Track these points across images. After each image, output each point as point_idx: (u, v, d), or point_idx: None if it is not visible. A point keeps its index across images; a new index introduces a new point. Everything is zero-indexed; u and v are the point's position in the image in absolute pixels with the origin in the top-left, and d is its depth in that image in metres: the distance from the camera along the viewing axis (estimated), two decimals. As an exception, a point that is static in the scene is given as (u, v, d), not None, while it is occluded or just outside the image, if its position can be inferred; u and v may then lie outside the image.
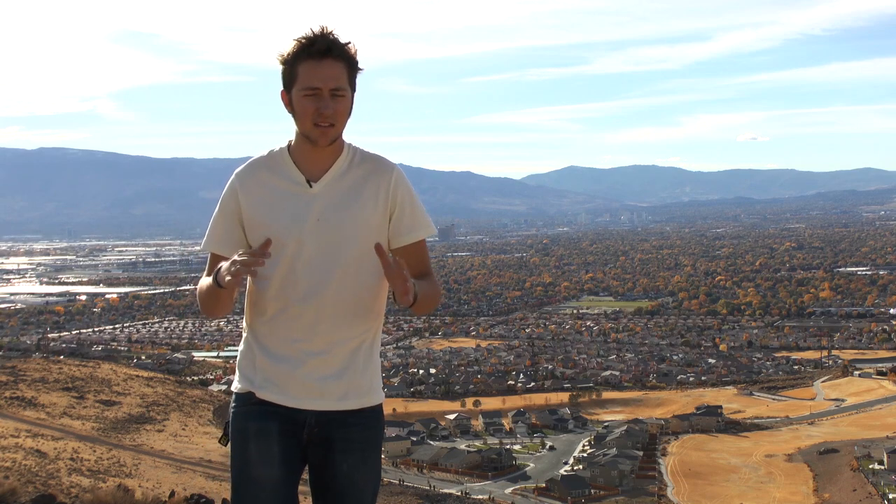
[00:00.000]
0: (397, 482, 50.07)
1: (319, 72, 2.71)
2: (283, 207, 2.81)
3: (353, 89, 2.81)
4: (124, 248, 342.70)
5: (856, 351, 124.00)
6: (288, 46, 2.75)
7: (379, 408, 3.00)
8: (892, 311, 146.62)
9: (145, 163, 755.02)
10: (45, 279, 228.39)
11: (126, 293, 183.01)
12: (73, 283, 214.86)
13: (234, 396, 2.96)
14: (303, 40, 2.72)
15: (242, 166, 2.92)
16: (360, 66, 2.80)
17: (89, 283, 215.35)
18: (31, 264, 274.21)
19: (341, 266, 2.82)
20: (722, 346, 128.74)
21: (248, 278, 2.84)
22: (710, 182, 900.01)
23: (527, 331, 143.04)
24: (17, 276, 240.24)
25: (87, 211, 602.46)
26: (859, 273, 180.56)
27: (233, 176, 2.91)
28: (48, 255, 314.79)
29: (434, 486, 54.45)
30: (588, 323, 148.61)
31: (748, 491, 62.42)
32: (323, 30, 2.73)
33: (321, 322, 2.82)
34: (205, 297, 2.81)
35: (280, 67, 2.79)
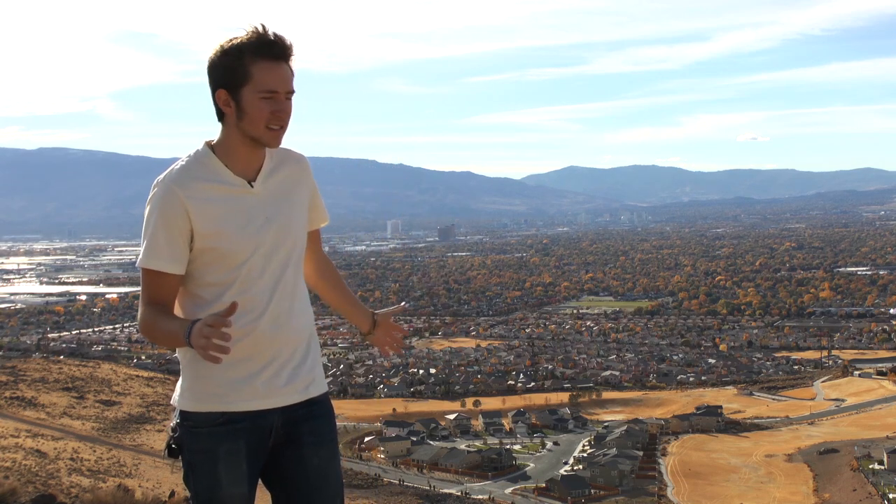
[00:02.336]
0: (397, 482, 50.05)
1: (278, 74, 2.67)
2: (233, 212, 2.76)
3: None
4: (124, 248, 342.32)
5: (856, 351, 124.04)
6: (238, 42, 2.65)
7: (329, 396, 3.04)
8: (892, 311, 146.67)
9: (145, 163, 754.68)
10: (45, 279, 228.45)
11: (126, 293, 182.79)
12: (73, 283, 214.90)
13: (183, 414, 2.82)
14: (258, 38, 2.65)
15: (175, 175, 2.72)
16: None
17: (89, 283, 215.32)
18: (31, 264, 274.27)
19: (293, 260, 2.86)
20: (722, 346, 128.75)
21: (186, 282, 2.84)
22: (710, 182, 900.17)
23: (527, 331, 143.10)
24: (17, 276, 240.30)
25: (87, 211, 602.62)
26: (859, 273, 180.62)
27: (167, 185, 2.70)
28: (48, 255, 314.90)
29: (434, 486, 54.45)
30: (588, 323, 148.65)
31: (748, 491, 62.41)
32: (274, 31, 2.68)
33: (281, 316, 2.83)
34: (163, 339, 2.70)
35: (216, 62, 2.68)
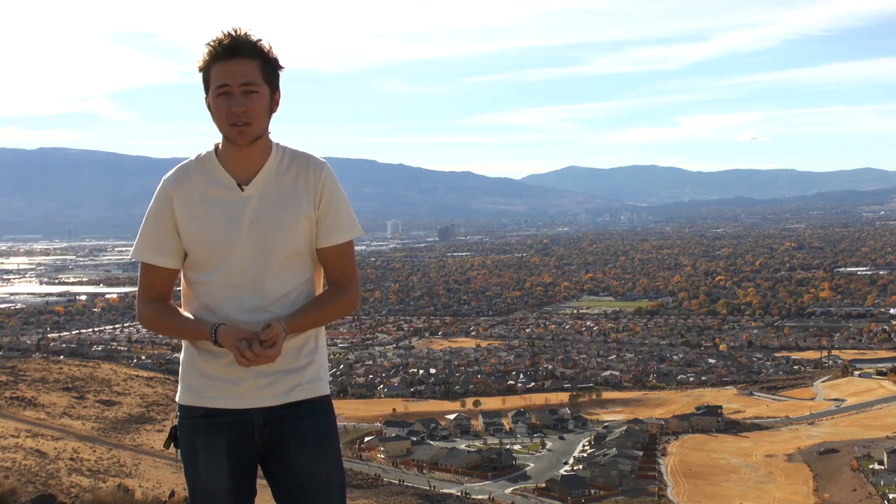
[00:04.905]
0: (397, 482, 50.05)
1: (228, 68, 2.71)
2: (216, 213, 2.81)
3: (274, 87, 2.79)
4: (124, 248, 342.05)
5: (856, 351, 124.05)
6: (202, 53, 2.75)
7: (328, 399, 2.99)
8: (892, 311, 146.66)
9: (145, 163, 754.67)
10: (45, 279, 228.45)
11: (126, 293, 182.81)
12: (73, 283, 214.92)
13: (178, 407, 2.96)
14: (212, 43, 2.73)
15: (171, 172, 2.88)
16: (280, 63, 2.79)
17: (89, 283, 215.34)
18: (31, 264, 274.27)
19: (275, 267, 2.82)
20: (722, 346, 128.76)
21: (181, 281, 2.94)
22: (710, 182, 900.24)
23: (527, 331, 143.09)
24: (17, 276, 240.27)
25: (87, 211, 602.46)
26: (859, 273, 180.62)
27: (162, 183, 2.87)
28: (48, 255, 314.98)
29: (434, 486, 54.44)
30: (588, 323, 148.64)
31: (748, 491, 62.43)
32: (235, 31, 2.73)
33: (260, 323, 2.82)
34: (176, 332, 2.84)
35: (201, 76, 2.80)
